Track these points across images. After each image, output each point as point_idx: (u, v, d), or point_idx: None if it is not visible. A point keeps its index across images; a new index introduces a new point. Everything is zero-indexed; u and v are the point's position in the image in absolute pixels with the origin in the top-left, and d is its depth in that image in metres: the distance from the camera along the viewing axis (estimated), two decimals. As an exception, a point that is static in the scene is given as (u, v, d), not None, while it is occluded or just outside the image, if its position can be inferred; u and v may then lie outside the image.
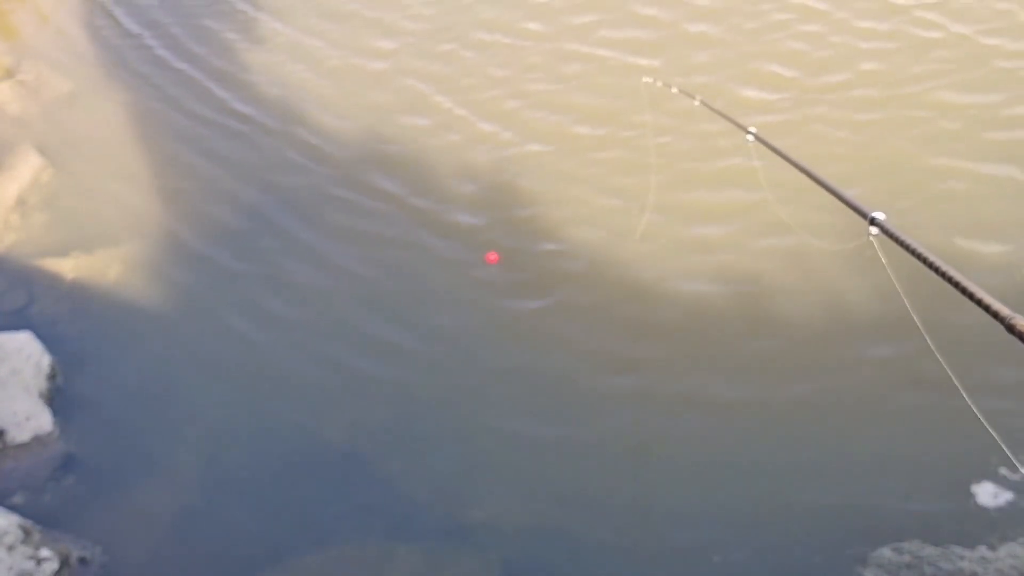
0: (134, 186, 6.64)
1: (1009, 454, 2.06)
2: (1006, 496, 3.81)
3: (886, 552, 3.71)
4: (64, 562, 4.02)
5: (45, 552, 3.99)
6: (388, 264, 5.69)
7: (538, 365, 4.92)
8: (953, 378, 2.11)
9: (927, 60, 6.61)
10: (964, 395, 2.07)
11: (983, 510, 3.83)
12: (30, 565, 3.90)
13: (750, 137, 3.59)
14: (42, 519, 4.21)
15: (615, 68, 7.09)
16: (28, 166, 6.71)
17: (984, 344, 4.23)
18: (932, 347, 2.24)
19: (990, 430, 2.02)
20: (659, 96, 6.38)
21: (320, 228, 6.06)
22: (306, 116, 7.16)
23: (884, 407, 4.44)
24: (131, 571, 4.18)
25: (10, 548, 3.91)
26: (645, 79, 6.23)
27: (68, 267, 5.83)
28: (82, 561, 4.11)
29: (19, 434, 4.66)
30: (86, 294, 5.65)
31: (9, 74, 8.01)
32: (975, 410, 2.03)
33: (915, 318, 2.34)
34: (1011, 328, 1.65)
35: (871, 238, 2.19)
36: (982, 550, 3.62)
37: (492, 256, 5.59)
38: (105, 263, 5.87)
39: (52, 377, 4.99)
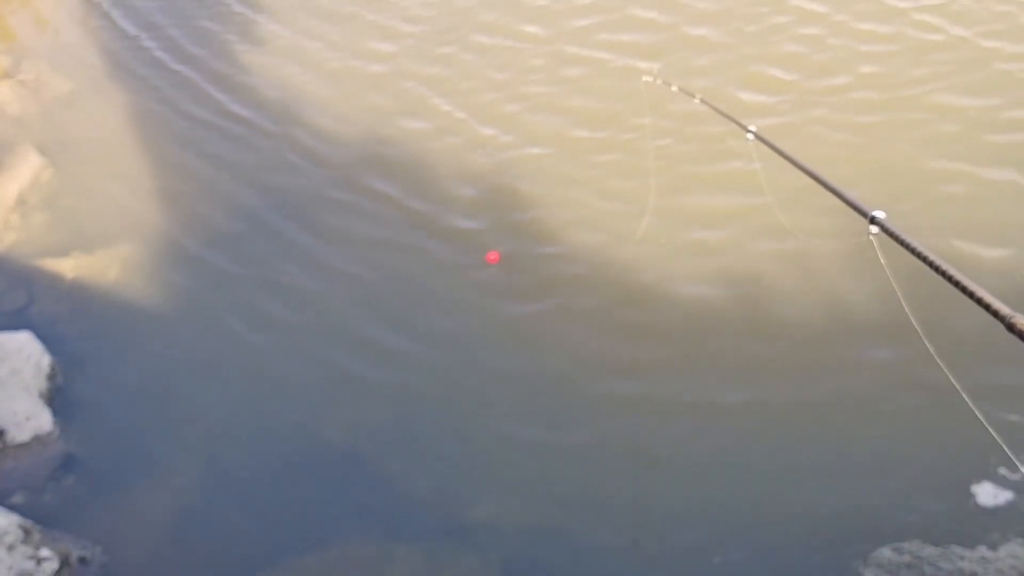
0: (134, 186, 6.64)
1: (1010, 453, 2.07)
2: (1006, 496, 3.81)
3: (886, 552, 3.72)
4: (64, 562, 4.02)
5: (45, 552, 3.99)
6: (388, 266, 5.69)
7: (538, 367, 4.92)
8: (952, 379, 2.12)
9: (927, 63, 6.61)
10: (964, 396, 2.07)
11: (983, 510, 3.84)
12: (30, 565, 3.90)
13: (750, 136, 3.60)
14: (42, 519, 4.21)
15: (615, 71, 7.10)
16: (28, 166, 6.71)
17: (984, 344, 4.26)
18: (930, 349, 2.24)
19: (990, 430, 2.03)
20: (659, 97, 6.39)
21: (320, 230, 6.06)
22: (307, 118, 7.16)
23: (884, 407, 4.44)
24: (131, 571, 4.17)
25: (10, 548, 3.91)
26: (645, 77, 6.24)
27: (68, 267, 5.83)
28: (82, 561, 4.11)
29: (19, 434, 4.66)
30: (86, 294, 5.65)
31: (9, 74, 8.01)
32: (975, 411, 2.03)
33: (912, 319, 2.35)
34: (1011, 327, 1.65)
35: (871, 237, 2.19)
36: (982, 550, 3.62)
37: (492, 256, 5.59)
38: (105, 263, 5.88)
39: (52, 377, 4.99)
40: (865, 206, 2.21)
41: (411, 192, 6.23)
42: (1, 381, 4.81)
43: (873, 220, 2.18)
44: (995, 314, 1.71)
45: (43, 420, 4.73)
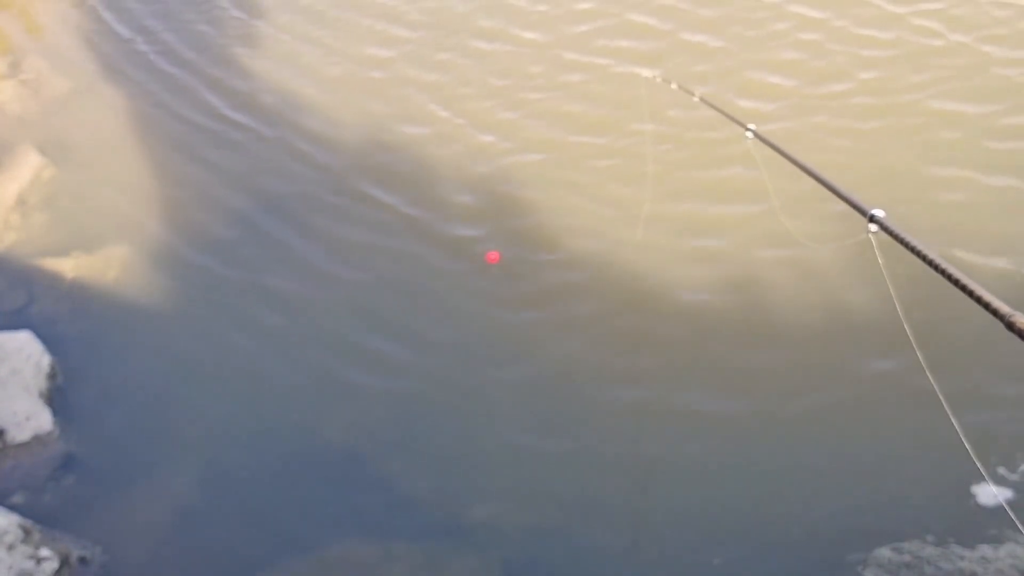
0: (134, 186, 6.64)
1: (978, 463, 2.06)
2: (1006, 496, 3.81)
3: (886, 552, 3.71)
4: (64, 562, 4.02)
5: (45, 552, 3.99)
6: (387, 272, 5.67)
7: (538, 370, 4.92)
8: (934, 384, 2.12)
9: (927, 68, 6.60)
10: (944, 402, 2.07)
11: (983, 510, 3.83)
12: (30, 564, 3.90)
13: (749, 135, 3.59)
14: (42, 519, 4.21)
15: (614, 76, 7.07)
16: (28, 166, 6.71)
17: (983, 345, 4.26)
18: (918, 354, 2.25)
19: (964, 440, 2.02)
20: (659, 104, 6.40)
21: (318, 234, 6.05)
22: (305, 123, 7.13)
23: (884, 408, 4.43)
24: (131, 571, 4.17)
25: (10, 548, 3.91)
26: (644, 74, 6.24)
27: (68, 267, 5.83)
28: (82, 561, 4.11)
29: (19, 434, 4.65)
30: (86, 294, 5.65)
31: (10, 74, 8.01)
32: (952, 418, 2.03)
33: (903, 321, 2.35)
34: (1011, 326, 1.65)
35: (870, 236, 2.19)
36: (982, 550, 3.62)
37: (492, 256, 5.58)
38: (105, 263, 5.88)
39: (52, 377, 4.99)
40: (864, 204, 2.20)
41: (410, 198, 6.20)
42: (1, 381, 4.81)
43: (872, 219, 2.18)
44: (995, 313, 1.70)
45: (43, 420, 4.73)
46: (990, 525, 3.78)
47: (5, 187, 6.47)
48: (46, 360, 5.00)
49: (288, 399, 4.92)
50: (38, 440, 4.67)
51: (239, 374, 5.09)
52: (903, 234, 2.02)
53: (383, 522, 4.28)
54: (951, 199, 5.51)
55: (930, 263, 1.91)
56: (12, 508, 4.22)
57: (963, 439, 1.98)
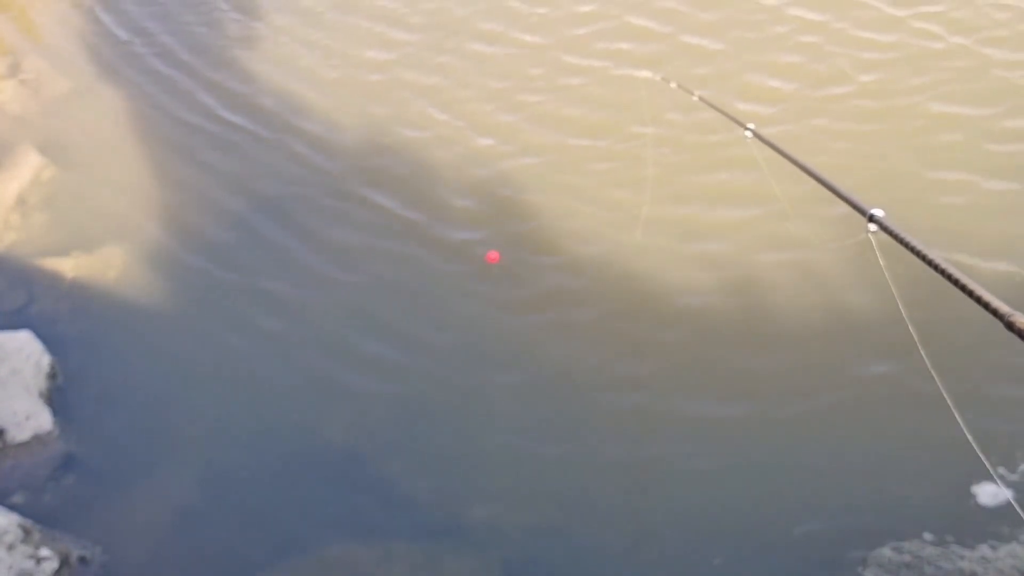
0: (135, 186, 6.64)
1: (986, 463, 2.05)
2: (1006, 496, 3.80)
3: (886, 552, 3.71)
4: (64, 561, 4.02)
5: (45, 551, 3.99)
6: (388, 273, 5.65)
7: (538, 372, 4.91)
8: (940, 384, 2.11)
9: (927, 71, 6.59)
10: (949, 403, 2.07)
11: (983, 510, 3.83)
12: (30, 564, 3.90)
13: (748, 134, 3.59)
14: (42, 518, 4.21)
15: (614, 79, 7.06)
16: (28, 165, 6.71)
17: (983, 346, 4.26)
18: (921, 352, 2.24)
19: (971, 441, 2.02)
20: (659, 102, 6.39)
21: (321, 234, 6.04)
22: (305, 126, 7.12)
23: (884, 408, 4.44)
24: (131, 571, 4.18)
25: (10, 547, 3.91)
26: (643, 73, 6.22)
27: (68, 267, 5.83)
28: (82, 560, 4.11)
29: (19, 433, 4.66)
30: (86, 294, 5.65)
31: (9, 74, 8.01)
32: (959, 419, 2.03)
33: (907, 320, 2.34)
34: (1010, 325, 1.65)
35: (869, 235, 2.18)
36: (982, 550, 3.62)
37: (492, 256, 5.58)
38: (105, 263, 5.88)
39: (52, 376, 4.99)
40: (863, 204, 2.20)
41: (409, 201, 6.17)
42: (1, 381, 4.81)
43: (872, 218, 2.18)
44: (994, 312, 1.70)
45: (43, 420, 4.73)
46: (990, 525, 3.78)
47: (5, 187, 6.47)
48: (46, 360, 5.00)
49: (288, 399, 4.92)
50: (38, 440, 4.67)
51: (239, 374, 5.09)
52: (902, 234, 2.02)
53: (383, 522, 4.28)
54: (951, 202, 5.51)
55: (929, 263, 1.91)
56: (12, 508, 4.22)
57: (968, 436, 1.98)
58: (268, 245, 5.99)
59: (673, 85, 5.16)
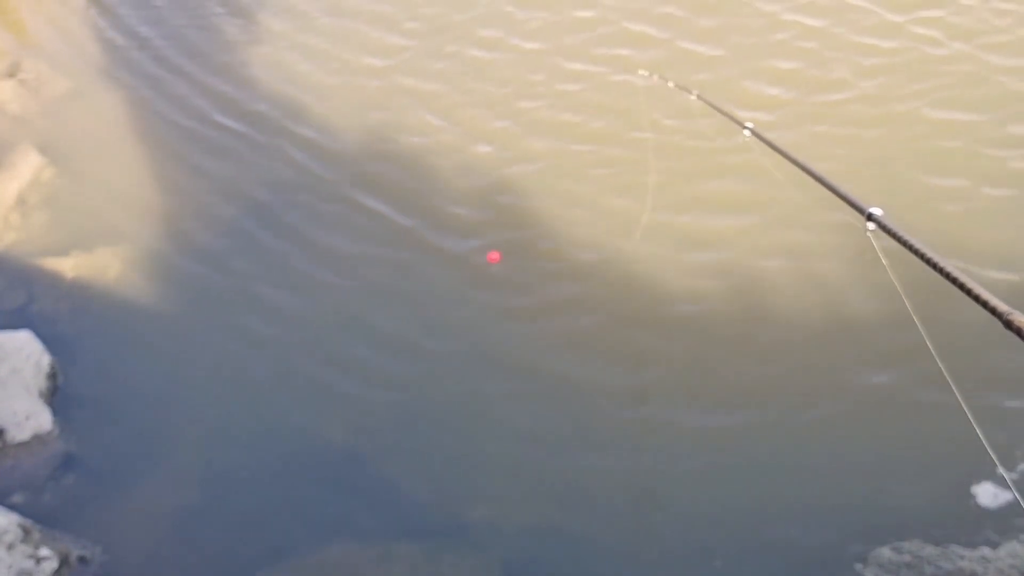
0: (135, 186, 6.64)
1: (996, 461, 2.04)
2: (1006, 496, 3.81)
3: (886, 552, 3.71)
4: (64, 561, 4.02)
5: (45, 551, 3.99)
6: (388, 278, 5.63)
7: (538, 375, 4.91)
8: (948, 378, 2.10)
9: (927, 76, 6.58)
10: (959, 397, 2.06)
11: (983, 510, 3.84)
12: (29, 564, 3.91)
13: (747, 132, 3.59)
14: (42, 518, 4.21)
15: (613, 85, 7.03)
16: (28, 165, 6.72)
17: (984, 344, 4.25)
18: (930, 347, 2.23)
19: (982, 438, 2.01)
20: (658, 107, 6.39)
21: (321, 234, 6.04)
22: (308, 128, 7.11)
23: (885, 407, 4.44)
24: (131, 571, 4.18)
25: (10, 547, 3.91)
26: (641, 72, 6.21)
27: (68, 266, 5.83)
28: (82, 560, 4.11)
29: (19, 433, 4.66)
30: (86, 293, 5.65)
31: (10, 73, 8.01)
32: (968, 414, 2.02)
33: (915, 317, 2.33)
34: (1008, 324, 1.65)
35: (868, 234, 2.18)
36: (982, 550, 3.62)
37: (493, 255, 5.58)
38: (105, 262, 5.88)
39: (52, 376, 4.99)
40: (862, 203, 2.20)
41: (407, 208, 6.13)
42: (1, 380, 4.82)
43: (870, 217, 2.17)
44: (992, 311, 1.70)
45: (43, 419, 4.74)
46: (990, 525, 3.77)
47: (5, 187, 6.47)
48: (46, 360, 5.01)
49: (288, 400, 4.92)
50: (38, 439, 4.67)
51: (240, 375, 5.09)
52: (901, 233, 2.02)
53: (383, 522, 4.28)
54: (952, 207, 5.50)
55: (928, 261, 1.91)
56: (12, 507, 4.22)
57: (977, 430, 1.97)
58: (269, 245, 5.99)
59: (671, 84, 5.16)
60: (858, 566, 3.73)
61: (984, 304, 1.72)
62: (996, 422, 4.12)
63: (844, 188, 2.47)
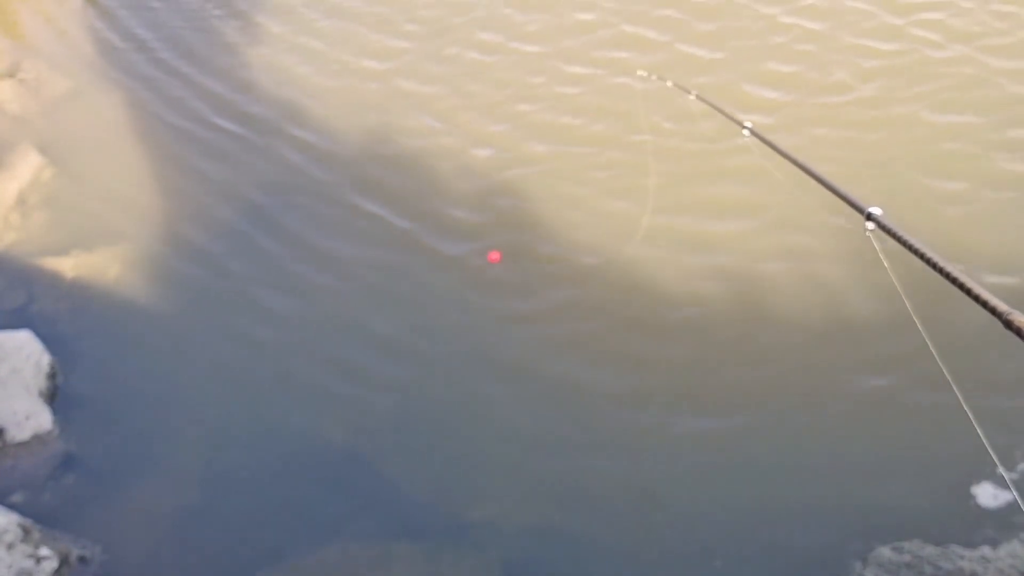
0: (135, 186, 6.65)
1: (997, 461, 2.05)
2: (1006, 496, 3.81)
3: (886, 552, 3.71)
4: (63, 561, 4.02)
5: (44, 551, 3.99)
6: (388, 282, 5.62)
7: (539, 372, 4.91)
8: (949, 378, 2.11)
9: (927, 79, 6.59)
10: (960, 397, 2.07)
11: (983, 510, 3.84)
12: (29, 564, 3.91)
13: (746, 132, 3.60)
14: (42, 518, 4.21)
15: (612, 88, 7.04)
16: (28, 165, 6.72)
17: (985, 343, 4.26)
18: (931, 347, 2.23)
19: (982, 437, 2.02)
20: (658, 109, 6.39)
21: (320, 236, 6.04)
22: (308, 131, 7.11)
23: (885, 407, 4.44)
24: (131, 570, 4.17)
25: (9, 546, 3.91)
26: (640, 72, 6.22)
27: (68, 266, 5.83)
28: (81, 560, 4.11)
29: (19, 433, 4.66)
30: (86, 293, 5.65)
31: (9, 73, 8.02)
32: (969, 414, 2.03)
33: (915, 317, 2.34)
34: (1008, 324, 1.65)
35: (868, 234, 2.19)
36: (982, 550, 3.62)
37: (494, 255, 5.58)
38: (105, 262, 5.88)
39: (52, 376, 4.99)
40: (861, 203, 2.21)
41: (406, 211, 6.12)
42: (1, 380, 4.82)
43: (869, 216, 2.18)
44: (992, 311, 1.70)
45: (43, 419, 4.74)
46: (990, 525, 3.78)
47: (5, 187, 6.47)
48: (46, 359, 5.01)
49: (288, 400, 4.92)
50: (38, 439, 4.67)
51: (240, 375, 5.09)
52: (900, 232, 2.02)
53: (383, 522, 4.28)
54: (953, 210, 5.50)
55: (927, 261, 1.92)
56: (12, 507, 4.22)
57: (977, 429, 1.97)
58: (267, 249, 5.99)
59: (669, 84, 5.17)
60: (858, 566, 3.73)
61: (984, 304, 1.73)
62: (996, 422, 4.13)
63: (843, 188, 2.48)
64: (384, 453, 4.58)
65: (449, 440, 4.63)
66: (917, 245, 1.95)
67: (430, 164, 6.58)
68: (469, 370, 4.99)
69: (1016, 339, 1.63)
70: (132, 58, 8.37)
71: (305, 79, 7.73)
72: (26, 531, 4.02)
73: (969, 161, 5.84)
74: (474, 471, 4.47)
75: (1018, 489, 3.86)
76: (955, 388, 2.06)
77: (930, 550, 3.65)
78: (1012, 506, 3.76)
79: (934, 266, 1.89)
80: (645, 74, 6.15)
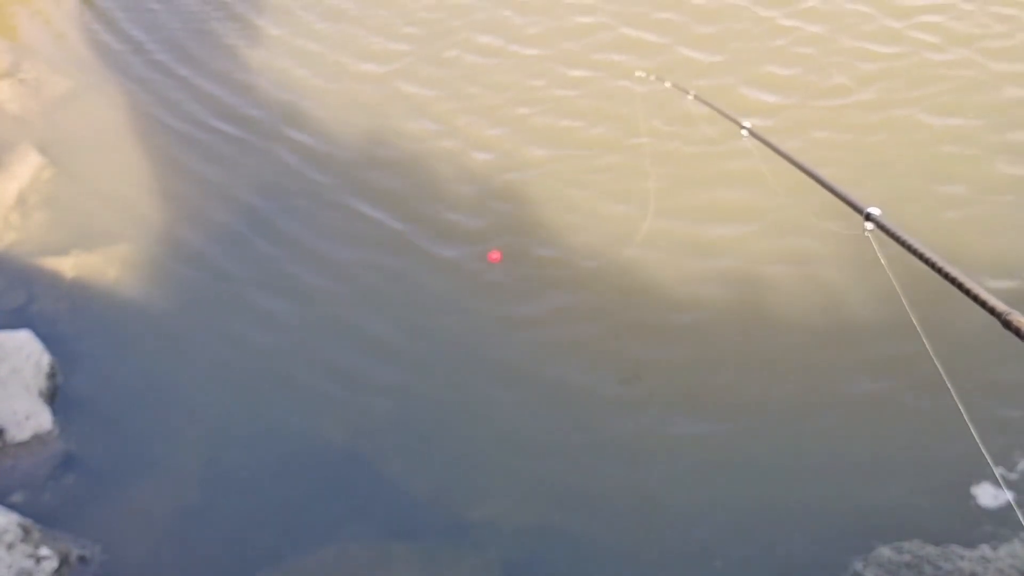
0: (134, 186, 6.65)
1: (991, 462, 2.05)
2: (1006, 496, 3.81)
3: (886, 552, 3.72)
4: (63, 560, 4.02)
5: (44, 551, 3.99)
6: (387, 284, 5.63)
7: (539, 374, 4.92)
8: (945, 378, 2.11)
9: (927, 82, 6.59)
10: (955, 397, 2.07)
11: (983, 510, 3.84)
12: (29, 563, 3.90)
13: (744, 132, 3.60)
14: (42, 518, 4.21)
15: (611, 91, 7.04)
16: (28, 165, 6.72)
17: (984, 343, 4.27)
18: (928, 347, 2.24)
19: (977, 439, 2.02)
20: (657, 111, 6.40)
21: (321, 234, 6.04)
22: (306, 128, 7.12)
23: (885, 408, 4.45)
24: (130, 570, 4.17)
25: (9, 546, 3.91)
26: (638, 73, 6.22)
27: (68, 266, 5.84)
28: (81, 560, 4.11)
29: (19, 433, 4.66)
30: (86, 293, 5.65)
31: (9, 73, 8.02)
32: (965, 415, 2.03)
33: (912, 317, 2.34)
34: (1007, 323, 1.66)
35: (867, 234, 2.19)
36: (982, 550, 3.63)
37: (493, 255, 5.59)
38: (105, 262, 5.88)
39: (52, 376, 4.99)
40: (860, 203, 2.21)
41: (404, 214, 6.12)
42: (1, 380, 4.82)
43: (868, 216, 2.19)
44: (991, 311, 1.71)
45: (43, 419, 4.74)
46: (990, 525, 3.78)
47: (5, 187, 6.48)
48: (46, 359, 5.01)
49: (289, 397, 4.92)
50: (38, 439, 4.67)
51: (240, 375, 5.10)
52: (899, 232, 2.03)
53: (383, 522, 4.28)
54: (952, 213, 5.51)
55: (926, 260, 1.92)
56: (12, 507, 4.22)
57: (972, 429, 1.98)
58: (265, 252, 5.99)
59: (668, 84, 5.17)
60: (858, 566, 3.73)
61: (983, 304, 1.73)
62: (995, 423, 4.14)
63: (842, 189, 2.48)
64: (383, 454, 4.58)
65: (448, 441, 4.63)
66: (915, 244, 1.96)
67: (429, 167, 6.58)
68: (468, 371, 4.99)
69: (1015, 339, 1.64)
70: (131, 60, 8.38)
71: (303, 81, 7.73)
72: (26, 531, 4.02)
73: (969, 164, 5.85)
74: (473, 472, 4.47)
75: (1017, 490, 3.87)
76: (951, 388, 2.06)
77: (930, 550, 3.66)
78: (1012, 506, 3.77)
79: (932, 265, 1.90)
80: (643, 74, 6.15)
